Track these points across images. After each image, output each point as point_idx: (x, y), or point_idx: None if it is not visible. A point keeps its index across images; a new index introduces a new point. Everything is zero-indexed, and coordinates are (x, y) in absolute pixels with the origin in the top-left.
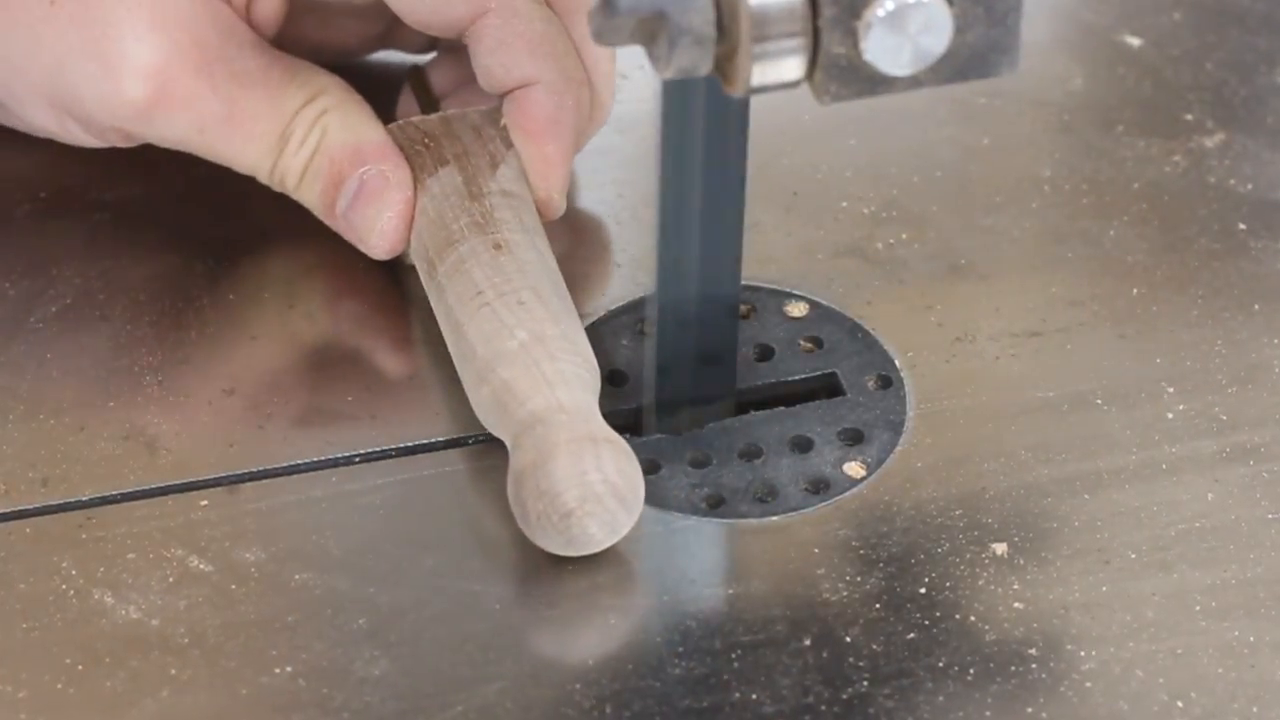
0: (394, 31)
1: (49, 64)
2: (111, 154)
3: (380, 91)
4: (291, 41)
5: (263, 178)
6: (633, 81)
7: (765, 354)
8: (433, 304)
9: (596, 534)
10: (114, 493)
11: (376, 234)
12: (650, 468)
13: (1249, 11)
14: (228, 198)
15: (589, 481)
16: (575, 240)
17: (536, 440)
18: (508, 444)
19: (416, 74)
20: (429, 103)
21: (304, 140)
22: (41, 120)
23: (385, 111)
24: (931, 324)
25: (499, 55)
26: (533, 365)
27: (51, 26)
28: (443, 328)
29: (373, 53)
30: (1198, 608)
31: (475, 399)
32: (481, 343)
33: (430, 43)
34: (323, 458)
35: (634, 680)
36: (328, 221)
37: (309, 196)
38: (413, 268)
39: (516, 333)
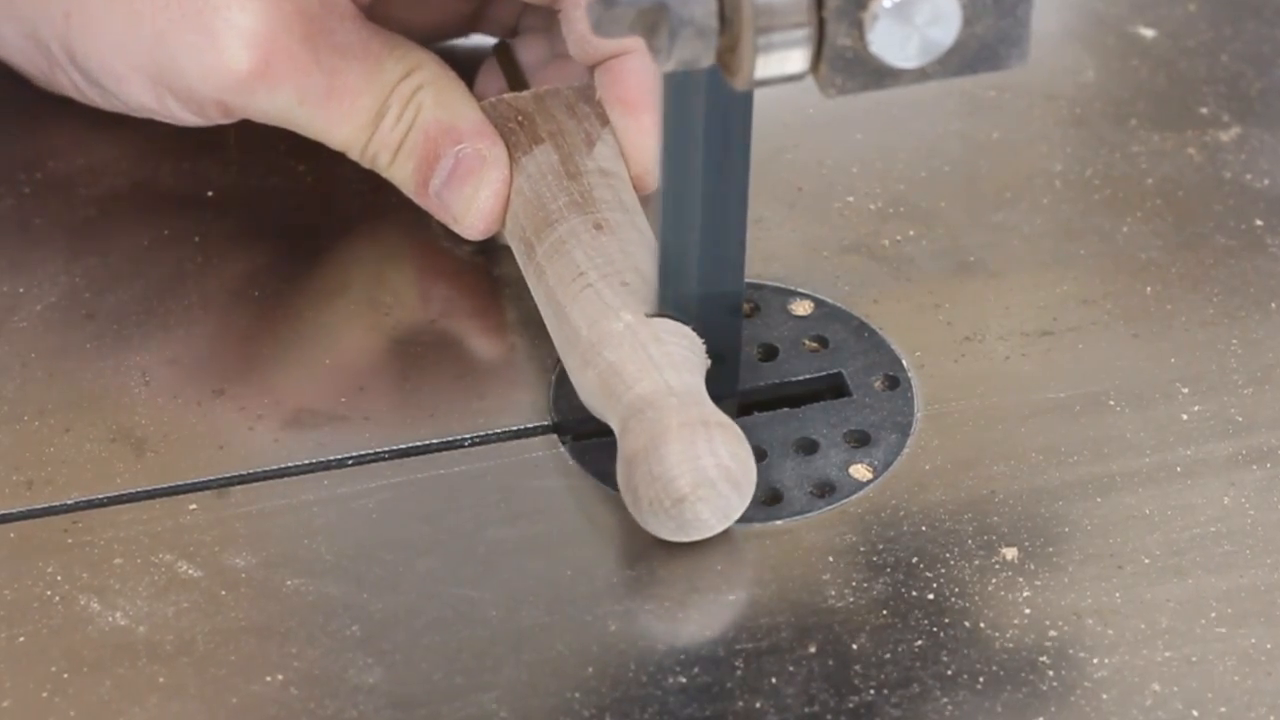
0: (483, 11)
1: (150, 38)
2: (97, 149)
3: (465, 77)
4: (381, 19)
5: (355, 154)
6: None
7: (769, 353)
8: (531, 286)
9: (709, 519)
10: (100, 496)
11: (474, 214)
12: None
13: (1265, 2)
14: (216, 194)
15: (702, 466)
16: None
17: (647, 424)
18: (615, 429)
19: (504, 50)
20: (517, 80)
21: (400, 116)
22: (141, 98)
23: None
24: (940, 323)
25: None
26: (639, 348)
27: (151, 1)
28: (542, 310)
29: (461, 36)
30: (1213, 614)
31: (579, 382)
32: (586, 325)
33: (515, 26)
34: (314, 460)
35: (634, 689)
36: (419, 201)
37: (401, 174)
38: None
39: (622, 314)
